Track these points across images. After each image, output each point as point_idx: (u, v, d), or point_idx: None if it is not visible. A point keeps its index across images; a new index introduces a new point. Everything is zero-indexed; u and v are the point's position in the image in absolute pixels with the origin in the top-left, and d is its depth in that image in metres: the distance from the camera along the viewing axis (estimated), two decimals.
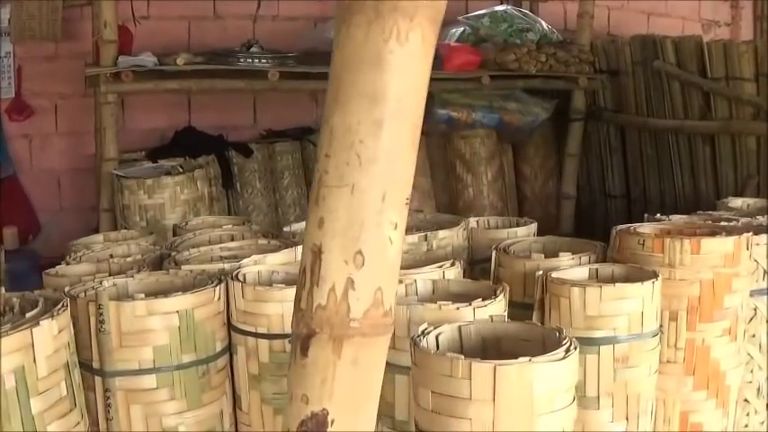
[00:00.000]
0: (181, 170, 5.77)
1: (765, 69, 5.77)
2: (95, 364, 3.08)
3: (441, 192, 6.73)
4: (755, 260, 3.50)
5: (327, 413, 1.70)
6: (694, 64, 6.07)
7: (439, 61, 6.18)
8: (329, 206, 1.64)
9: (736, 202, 4.57)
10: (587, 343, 3.02)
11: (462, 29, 6.81)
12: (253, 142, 6.74)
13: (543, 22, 6.81)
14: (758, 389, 3.64)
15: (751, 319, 3.53)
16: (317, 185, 1.66)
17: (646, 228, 3.63)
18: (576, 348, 2.44)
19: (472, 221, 4.33)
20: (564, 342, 2.46)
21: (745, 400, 3.59)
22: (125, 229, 5.23)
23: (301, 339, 1.68)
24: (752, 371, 3.59)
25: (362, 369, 1.71)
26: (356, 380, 1.71)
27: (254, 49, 6.09)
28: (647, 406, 3.14)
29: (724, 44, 6.03)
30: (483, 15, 6.78)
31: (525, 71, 6.41)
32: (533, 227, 4.21)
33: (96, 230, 5.41)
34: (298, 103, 7.03)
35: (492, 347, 2.67)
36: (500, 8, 6.99)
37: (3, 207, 6.69)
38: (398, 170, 1.65)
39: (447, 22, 6.90)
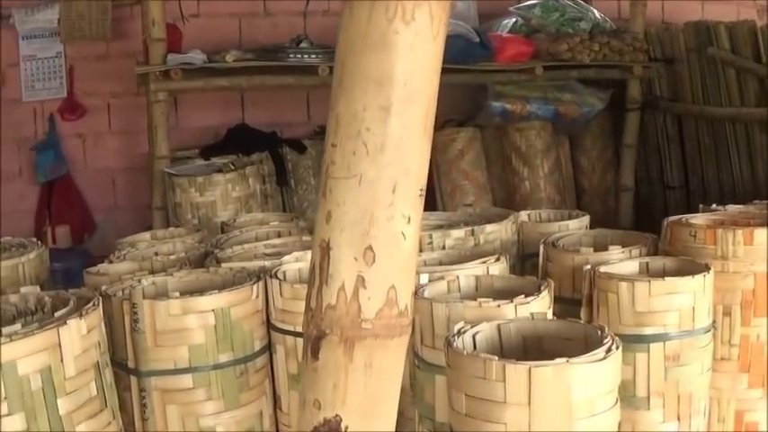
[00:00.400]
0: (232, 167, 5.72)
1: None
2: (130, 364, 3.05)
3: (497, 186, 6.62)
4: None
5: (341, 419, 1.62)
6: (749, 49, 5.89)
7: (491, 53, 6.09)
8: (336, 199, 1.55)
9: None
10: (637, 340, 2.93)
11: (514, 20, 6.69)
12: (306, 138, 6.66)
13: (595, 11, 6.66)
14: None
15: None
16: (324, 177, 1.57)
17: (698, 219, 3.52)
18: (618, 347, 2.33)
19: (523, 215, 4.25)
20: (605, 341, 2.34)
21: None
22: (177, 226, 5.20)
23: (312, 341, 1.60)
24: None
25: (376, 373, 1.61)
26: (370, 384, 1.61)
27: (303, 45, 6.01)
28: (699, 405, 3.03)
29: None
30: (534, 5, 6.65)
31: (579, 61, 6.25)
32: (585, 220, 4.11)
33: (150, 229, 5.37)
34: None
35: (533, 347, 2.57)
36: None
37: (57, 206, 6.71)
38: (410, 159, 1.55)
39: (498, 14, 6.80)
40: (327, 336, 1.58)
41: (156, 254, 3.96)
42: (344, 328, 1.57)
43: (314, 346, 1.59)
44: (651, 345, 2.95)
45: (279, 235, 4.22)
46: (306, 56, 5.92)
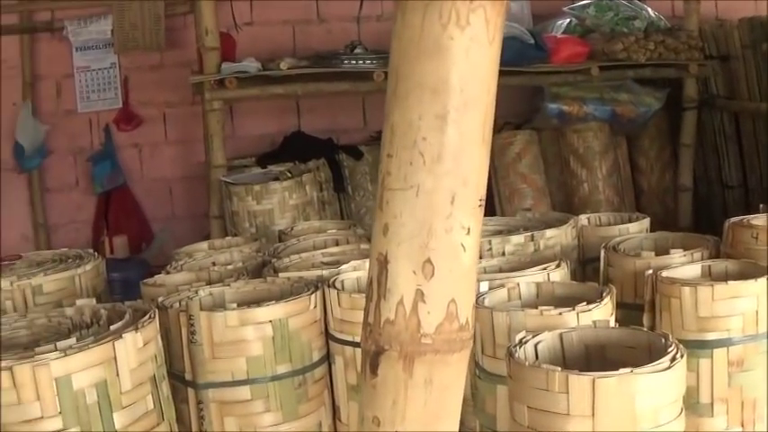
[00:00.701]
0: (289, 175, 5.72)
1: None
2: (188, 376, 3.04)
3: (555, 188, 6.57)
4: None
5: None
6: None
7: (546, 54, 6.03)
8: (393, 211, 1.49)
9: None
10: (700, 346, 2.87)
11: (568, 20, 6.63)
12: (363, 144, 6.62)
13: (650, 9, 6.59)
14: None
15: None
16: (380, 189, 1.53)
17: (760, 220, 3.45)
18: (682, 356, 2.27)
19: (583, 219, 4.20)
20: (669, 349, 2.29)
21: None
22: (234, 235, 5.20)
23: (370, 357, 1.55)
24: None
25: (437, 389, 1.56)
26: (430, 401, 1.56)
27: (357, 51, 6.00)
28: (763, 411, 2.96)
29: None
30: (588, 5, 6.58)
31: (634, 60, 6.17)
32: (646, 222, 4.07)
33: (208, 238, 5.38)
34: None
35: (596, 355, 2.53)
36: None
37: (114, 216, 6.75)
38: (468, 168, 1.49)
39: (552, 14, 6.75)
40: (386, 351, 1.53)
41: (214, 264, 3.95)
42: (404, 343, 1.52)
43: (372, 362, 1.55)
44: (714, 350, 2.89)
45: (336, 243, 4.20)
46: (360, 62, 5.91)
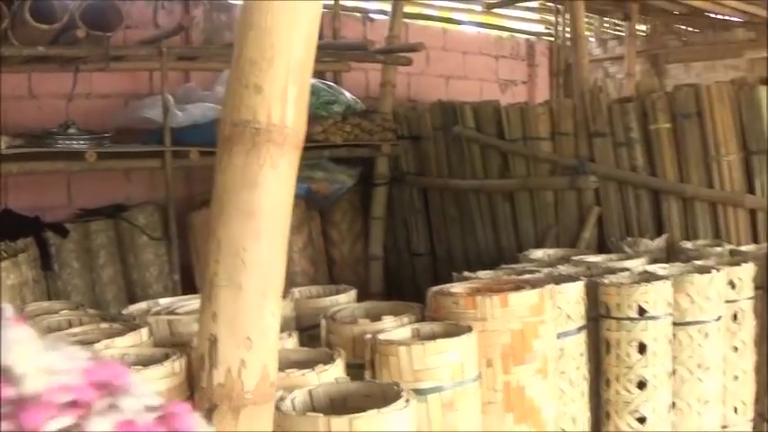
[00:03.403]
0: (5, 255, 5.64)
1: (560, 128, 6.21)
2: None
3: None
4: (559, 307, 3.93)
5: None
6: (493, 127, 6.50)
7: None
8: (220, 302, 2.02)
9: (537, 254, 5.04)
10: (417, 393, 3.21)
11: None
12: (68, 222, 6.63)
13: (347, 94, 7.05)
14: (573, 419, 4.08)
15: (560, 359, 3.95)
16: (208, 285, 2.04)
17: (457, 287, 3.95)
18: (413, 399, 2.80)
19: (296, 292, 4.52)
20: (402, 393, 2.82)
21: (563, 430, 4.01)
22: None
23: (204, 413, 2.04)
24: (565, 404, 4.02)
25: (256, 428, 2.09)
26: None
27: (71, 130, 6.07)
28: None
29: (521, 108, 6.47)
30: None
31: (332, 142, 6.65)
32: (353, 293, 4.40)
33: None
34: (110, 179, 7.01)
35: (340, 406, 2.98)
36: None
37: None
38: (275, 270, 2.05)
39: None
40: (218, 407, 2.05)
41: None
42: (232, 399, 2.06)
43: (206, 416, 2.04)
44: (429, 395, 3.32)
45: (69, 324, 4.09)
46: (74, 142, 5.99)
